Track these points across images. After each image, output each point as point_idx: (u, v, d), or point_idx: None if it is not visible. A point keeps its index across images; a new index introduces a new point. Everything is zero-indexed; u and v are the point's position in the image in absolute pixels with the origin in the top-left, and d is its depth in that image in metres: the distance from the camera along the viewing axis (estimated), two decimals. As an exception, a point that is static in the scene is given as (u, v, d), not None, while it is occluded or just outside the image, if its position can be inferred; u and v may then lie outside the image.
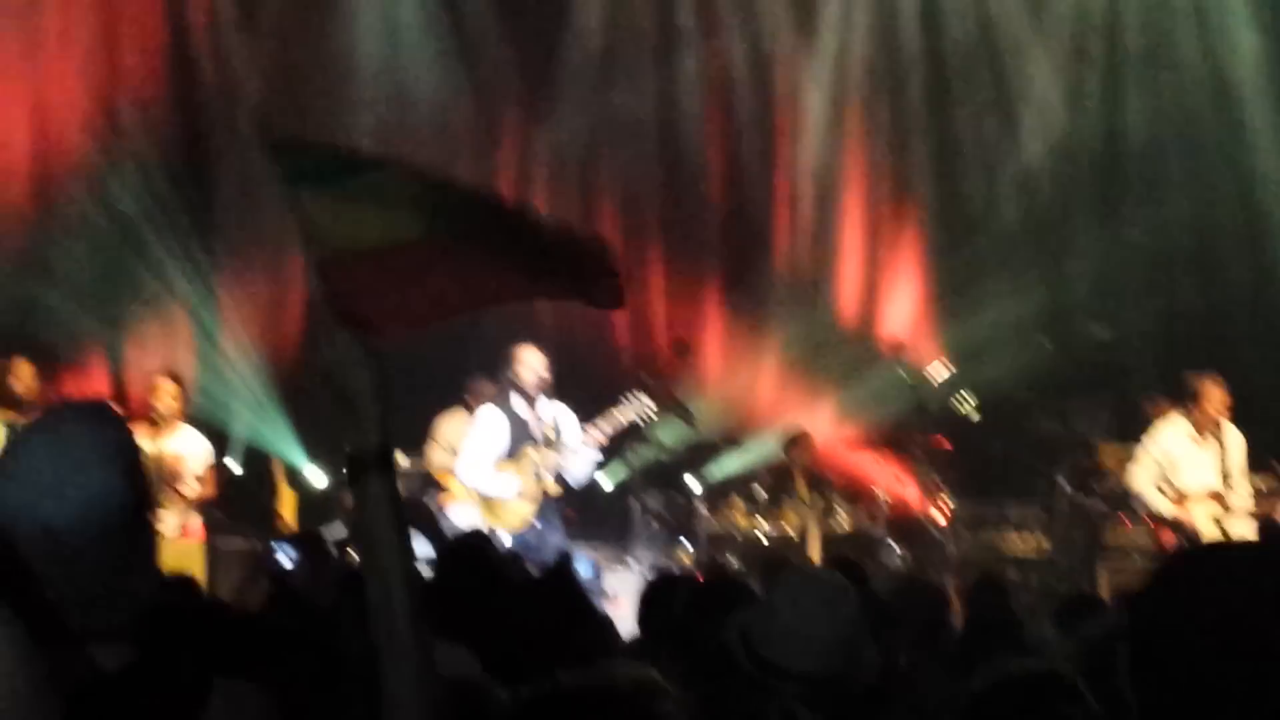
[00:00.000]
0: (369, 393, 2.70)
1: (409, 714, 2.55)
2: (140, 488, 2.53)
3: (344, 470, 2.73)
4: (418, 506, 10.08)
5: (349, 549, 6.02)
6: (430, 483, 12.55)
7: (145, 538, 2.54)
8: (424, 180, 3.26)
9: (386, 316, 3.08)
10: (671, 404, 12.54)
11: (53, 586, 2.39)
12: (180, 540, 11.15)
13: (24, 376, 11.23)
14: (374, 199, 3.16)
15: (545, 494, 11.01)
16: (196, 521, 11.48)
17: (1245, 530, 11.34)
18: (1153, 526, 11.77)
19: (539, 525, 11.03)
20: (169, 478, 11.27)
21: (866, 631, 3.99)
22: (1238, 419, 11.58)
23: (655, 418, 11.67)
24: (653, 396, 11.47)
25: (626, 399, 11.30)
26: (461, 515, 11.78)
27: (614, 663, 2.91)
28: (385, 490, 2.65)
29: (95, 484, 2.45)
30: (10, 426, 10.82)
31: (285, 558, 6.13)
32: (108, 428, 2.56)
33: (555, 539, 11.11)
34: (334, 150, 3.35)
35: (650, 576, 11.83)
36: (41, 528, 2.40)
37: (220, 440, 12.60)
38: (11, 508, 2.42)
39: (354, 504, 2.68)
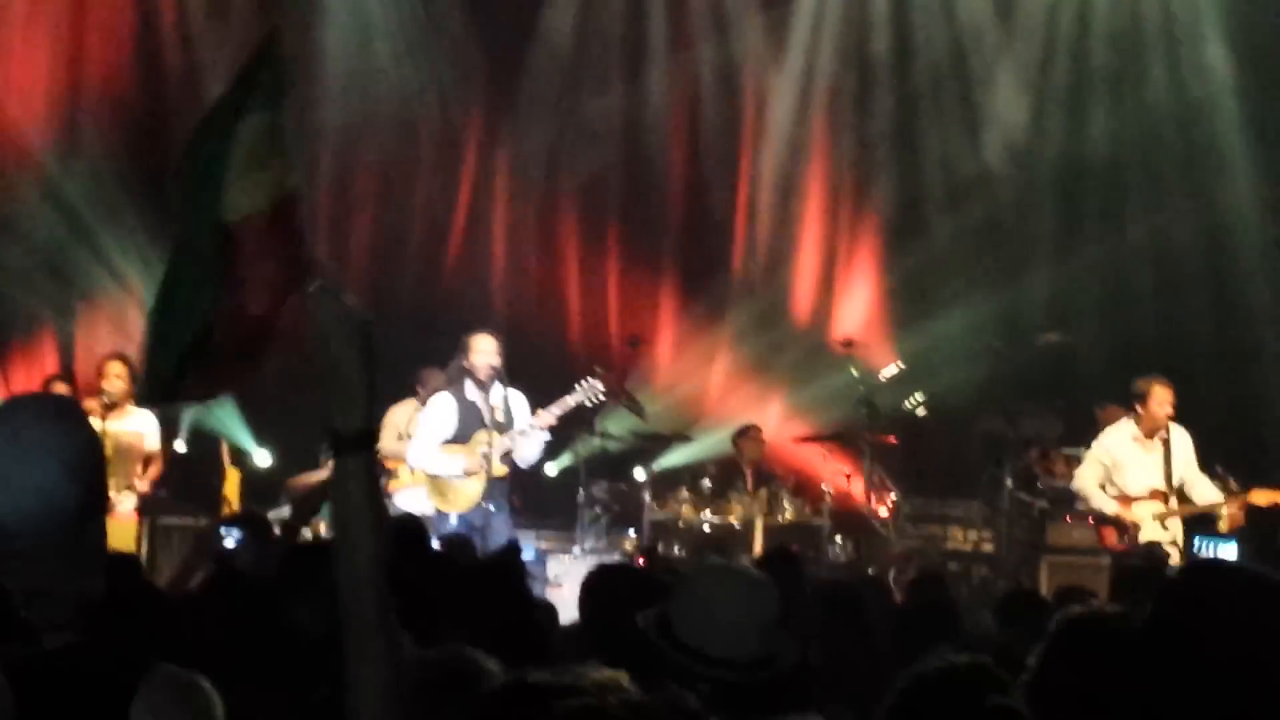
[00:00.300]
0: (356, 371, 2.65)
1: (374, 691, 2.54)
2: (93, 486, 2.58)
3: (326, 445, 2.72)
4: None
5: (291, 530, 6.08)
6: (381, 469, 12.62)
7: (94, 535, 2.59)
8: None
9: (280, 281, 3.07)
10: (622, 395, 12.65)
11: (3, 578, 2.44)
12: (123, 519, 11.20)
13: None
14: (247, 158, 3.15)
15: (493, 476, 11.11)
16: (136, 501, 11.50)
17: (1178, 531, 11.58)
18: (1095, 525, 11.93)
19: (489, 506, 11.13)
20: (121, 458, 11.31)
21: (783, 619, 4.05)
22: (1189, 428, 11.75)
23: (604, 403, 11.81)
24: (604, 386, 11.59)
25: (577, 386, 11.43)
26: (409, 500, 11.91)
27: (585, 665, 2.92)
28: (363, 468, 2.64)
29: (46, 480, 2.51)
30: None
31: (229, 538, 6.18)
32: (64, 424, 2.63)
33: (502, 520, 11.23)
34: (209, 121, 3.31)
35: (593, 563, 11.99)
36: None
37: (167, 422, 12.60)
38: None
39: (333, 480, 2.65)
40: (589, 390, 11.46)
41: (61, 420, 2.65)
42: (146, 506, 11.65)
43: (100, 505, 2.59)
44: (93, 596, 2.55)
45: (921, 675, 3.46)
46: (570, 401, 11.40)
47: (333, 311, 2.67)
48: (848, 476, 13.52)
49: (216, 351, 3.04)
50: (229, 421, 14.25)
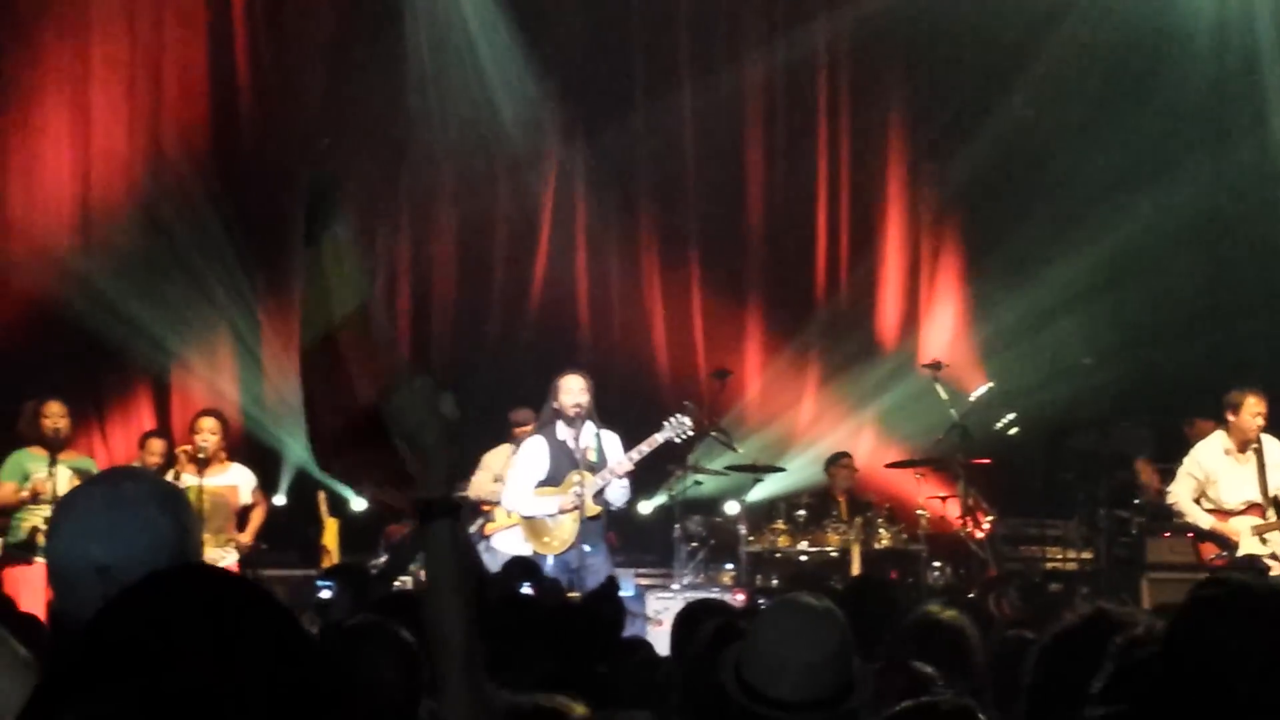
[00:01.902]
0: (439, 444, 2.84)
1: None
2: (190, 536, 2.68)
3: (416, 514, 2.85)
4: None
5: (386, 579, 6.18)
6: (477, 513, 12.73)
7: None
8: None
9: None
10: (712, 428, 12.71)
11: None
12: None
13: (55, 415, 11.44)
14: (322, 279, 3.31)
15: (586, 516, 11.18)
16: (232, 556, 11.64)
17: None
18: (1193, 540, 11.86)
19: (585, 547, 11.21)
20: (216, 512, 11.46)
21: (852, 653, 4.03)
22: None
23: (692, 438, 11.88)
24: (692, 421, 11.67)
25: (665, 423, 11.49)
26: (506, 542, 12.01)
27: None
28: (448, 536, 2.80)
29: (146, 528, 2.61)
30: (44, 463, 11.09)
31: (324, 590, 6.29)
32: (162, 484, 2.75)
33: (599, 560, 11.29)
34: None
35: (690, 598, 12.05)
36: (94, 567, 2.54)
37: (266, 473, 12.77)
38: (65, 549, 2.60)
39: (423, 545, 2.83)
40: (677, 427, 11.53)
41: (156, 478, 2.79)
42: (247, 560, 11.82)
43: (195, 550, 2.70)
44: None
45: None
46: (658, 439, 11.48)
47: (415, 394, 2.87)
48: (943, 500, 13.46)
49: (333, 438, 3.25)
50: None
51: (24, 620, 6.80)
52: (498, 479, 12.28)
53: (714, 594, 12.15)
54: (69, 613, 2.60)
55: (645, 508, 13.26)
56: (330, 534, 13.25)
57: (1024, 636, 5.66)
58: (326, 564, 12.45)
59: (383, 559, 11.79)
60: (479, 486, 12.54)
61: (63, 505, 2.72)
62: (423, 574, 10.09)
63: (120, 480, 2.73)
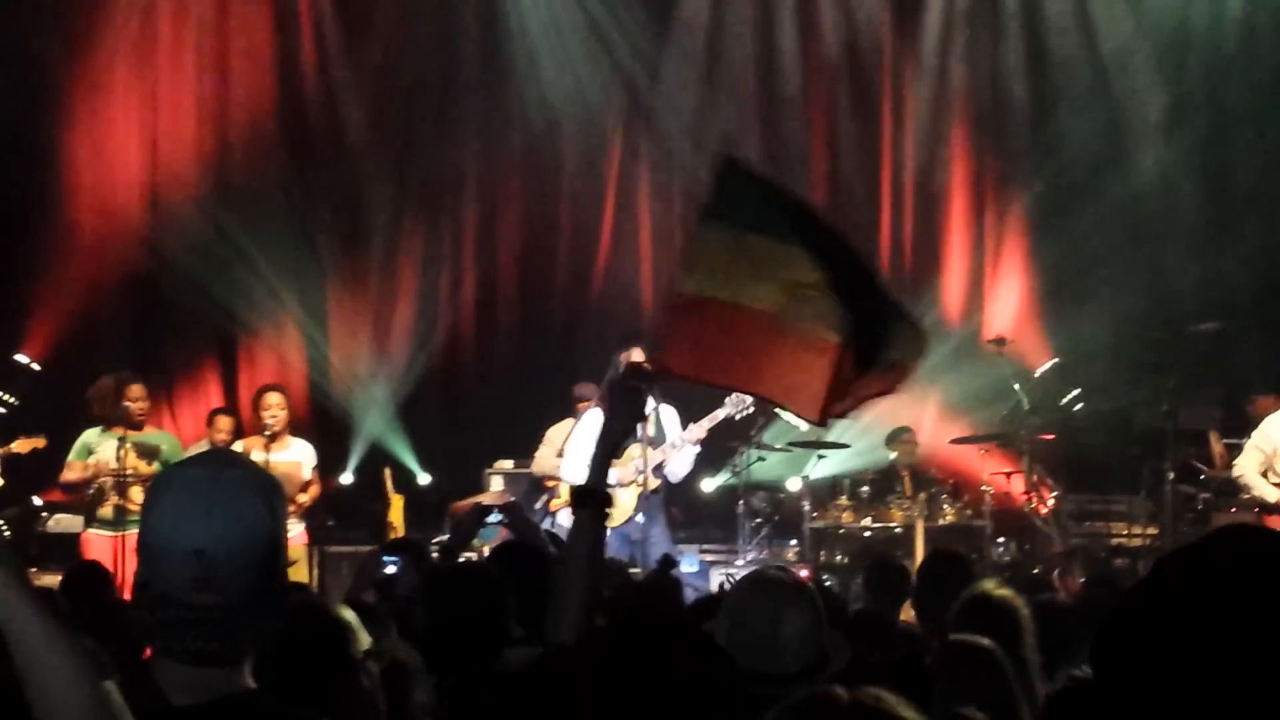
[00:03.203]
0: (615, 445, 3.67)
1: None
2: (283, 525, 2.74)
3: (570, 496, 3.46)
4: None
5: (448, 553, 6.24)
6: (541, 488, 12.80)
7: (280, 571, 2.75)
8: (808, 261, 3.56)
9: (680, 361, 3.50)
10: (773, 404, 12.72)
11: (200, 602, 2.62)
12: (294, 542, 11.46)
13: (138, 397, 11.53)
14: (753, 258, 3.49)
15: (646, 489, 11.27)
16: (300, 527, 11.75)
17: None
18: (1259, 514, 11.79)
19: (640, 519, 11.29)
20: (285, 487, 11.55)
21: (825, 623, 4.13)
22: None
23: (752, 414, 11.92)
24: (753, 398, 11.72)
25: (728, 400, 11.55)
26: (571, 517, 12.07)
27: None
28: (590, 523, 3.58)
29: (245, 516, 2.66)
30: (122, 441, 11.19)
31: (389, 565, 6.35)
32: (260, 471, 2.81)
33: (659, 532, 11.39)
34: (773, 190, 3.68)
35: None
36: (191, 549, 2.60)
37: (332, 450, 12.87)
38: (162, 528, 2.65)
39: (572, 526, 3.62)
40: (737, 404, 11.60)
41: (254, 465, 2.87)
42: (316, 536, 11.93)
43: (284, 539, 2.77)
44: (272, 631, 2.72)
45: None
46: (719, 415, 11.56)
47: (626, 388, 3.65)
48: (1007, 476, 13.44)
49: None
50: (398, 446, 14.54)
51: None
52: (561, 454, 12.35)
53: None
54: (154, 586, 2.64)
55: (709, 485, 13.28)
56: (396, 510, 13.34)
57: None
58: (390, 540, 12.55)
59: (446, 535, 11.86)
60: (542, 461, 12.60)
61: (163, 485, 2.76)
62: (486, 550, 10.24)
63: (222, 466, 2.76)
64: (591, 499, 3.63)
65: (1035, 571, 11.96)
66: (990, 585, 5.79)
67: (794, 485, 13.77)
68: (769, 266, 3.62)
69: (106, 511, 11.16)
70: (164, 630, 2.63)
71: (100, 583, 7.59)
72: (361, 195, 15.56)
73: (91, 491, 11.30)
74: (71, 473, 11.45)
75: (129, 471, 11.21)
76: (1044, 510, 13.25)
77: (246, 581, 2.64)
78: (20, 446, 11.65)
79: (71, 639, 2.31)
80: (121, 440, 11.16)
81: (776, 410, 12.18)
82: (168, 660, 2.63)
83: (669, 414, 11.53)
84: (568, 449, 11.85)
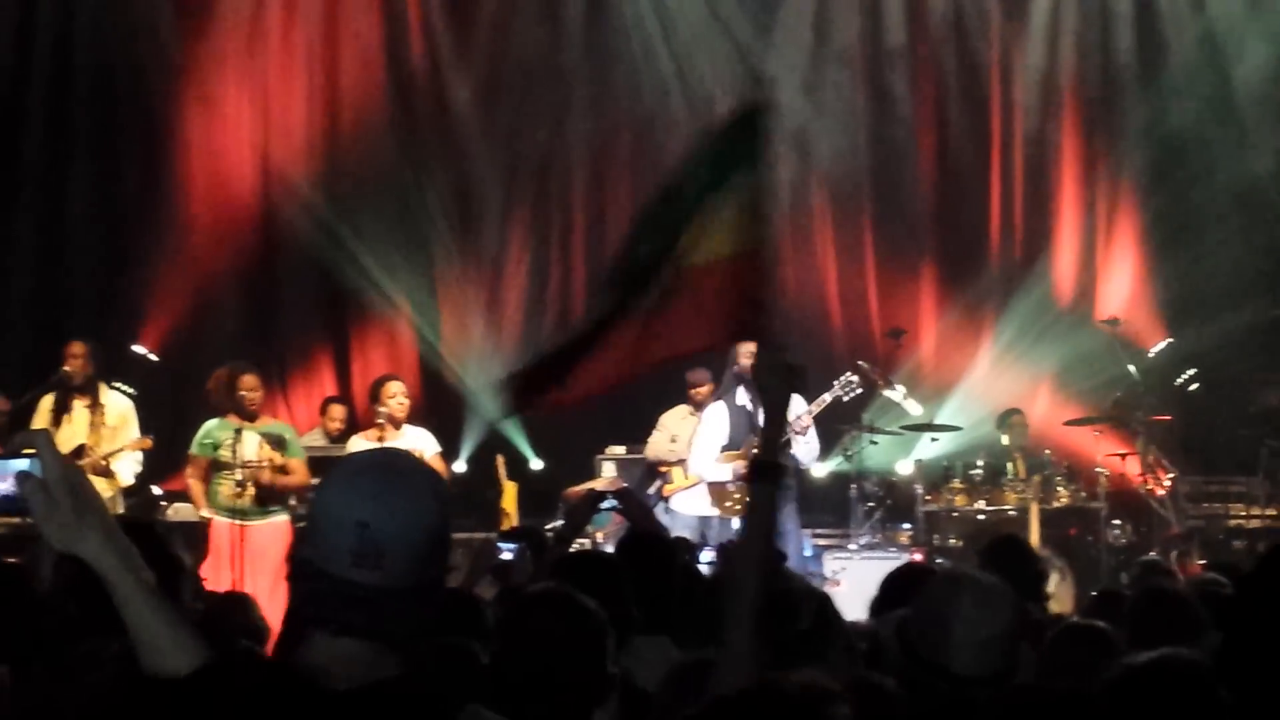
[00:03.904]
0: (781, 413, 3.44)
1: (738, 657, 3.09)
2: (449, 524, 2.78)
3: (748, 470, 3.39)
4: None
5: (563, 540, 6.27)
6: (654, 474, 12.85)
7: (442, 564, 2.79)
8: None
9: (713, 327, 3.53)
10: (888, 388, 12.70)
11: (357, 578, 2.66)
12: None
13: (250, 387, 11.60)
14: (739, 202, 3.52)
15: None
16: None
17: None
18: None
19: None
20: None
21: (1018, 631, 4.02)
22: None
23: (860, 395, 11.97)
24: (860, 379, 11.75)
25: (835, 382, 11.57)
26: (685, 503, 12.13)
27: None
28: (767, 500, 3.38)
29: (413, 499, 2.70)
30: (238, 433, 11.30)
31: (505, 552, 6.40)
32: (432, 469, 2.89)
33: (788, 523, 11.41)
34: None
35: (866, 557, 12.11)
36: (355, 520, 2.65)
37: (444, 438, 12.95)
38: (331, 500, 2.70)
39: (749, 499, 3.41)
40: (845, 386, 11.64)
41: (423, 461, 2.96)
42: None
43: (449, 528, 2.80)
44: (429, 623, 2.77)
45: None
46: (827, 398, 11.64)
47: (772, 360, 3.43)
48: (1122, 457, 13.32)
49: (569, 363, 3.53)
50: (510, 432, 14.62)
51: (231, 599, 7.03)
52: (674, 439, 12.40)
53: (890, 554, 12.16)
54: (312, 561, 2.69)
55: (820, 470, 13.25)
56: (509, 497, 13.41)
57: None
58: (505, 527, 12.61)
59: (560, 522, 11.93)
60: (655, 447, 12.65)
61: (339, 467, 2.83)
62: (599, 536, 10.29)
63: (397, 454, 2.89)
64: (772, 470, 3.42)
65: (1152, 554, 11.82)
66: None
67: (905, 469, 13.72)
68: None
69: (228, 499, 11.25)
70: (320, 603, 2.67)
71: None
72: (470, 180, 15.62)
73: (217, 478, 11.38)
74: (195, 467, 11.57)
75: (262, 462, 11.33)
76: (1160, 492, 13.13)
77: (405, 566, 2.67)
78: (131, 447, 11.78)
79: (172, 613, 2.39)
80: (238, 431, 11.25)
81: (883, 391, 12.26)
82: (319, 634, 2.67)
83: (794, 401, 11.54)
84: (695, 442, 11.93)
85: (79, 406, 11.78)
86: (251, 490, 11.25)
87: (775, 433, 3.58)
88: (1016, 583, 7.31)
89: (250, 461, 11.23)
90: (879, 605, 5.36)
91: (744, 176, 3.61)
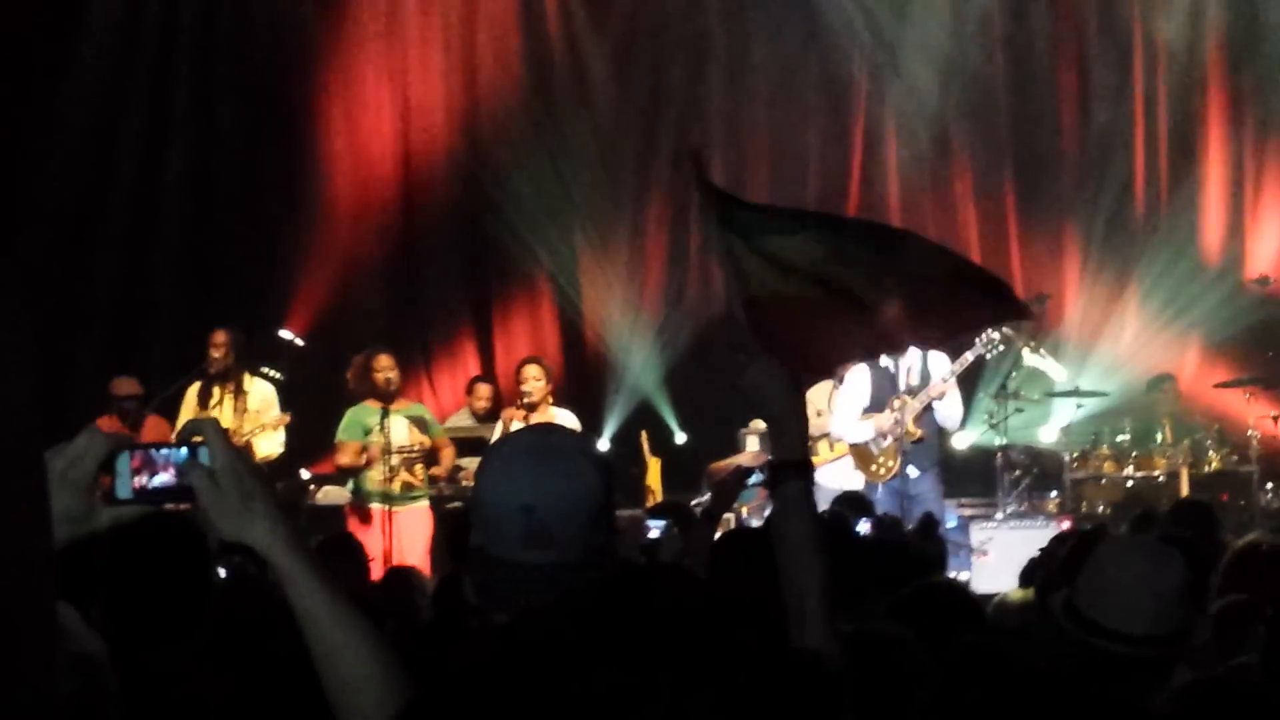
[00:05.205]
0: (791, 412, 3.15)
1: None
2: (612, 492, 2.85)
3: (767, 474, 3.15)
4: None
5: (711, 517, 6.27)
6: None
7: (609, 527, 2.85)
8: (827, 245, 3.66)
9: (792, 355, 3.53)
10: (1033, 353, 12.58)
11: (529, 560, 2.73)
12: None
13: (385, 367, 11.67)
14: (783, 259, 3.59)
15: (908, 439, 11.28)
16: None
17: None
18: None
19: (911, 473, 11.29)
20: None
21: (1191, 594, 4.01)
22: None
23: (1008, 358, 11.85)
24: (1000, 338, 11.67)
25: (978, 340, 11.49)
26: (832, 475, 12.09)
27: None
28: (800, 494, 3.06)
29: (572, 474, 2.77)
30: (385, 415, 11.40)
31: (653, 529, 6.43)
32: (587, 440, 2.95)
33: (927, 485, 11.45)
34: (761, 211, 3.79)
35: (1014, 527, 12.02)
36: (521, 505, 2.72)
37: (586, 415, 13.01)
38: (493, 487, 2.78)
39: (774, 504, 3.11)
40: (988, 344, 11.55)
41: (584, 435, 3.01)
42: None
43: (612, 503, 2.86)
44: (603, 579, 2.82)
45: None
46: (969, 357, 11.53)
47: (758, 373, 3.17)
48: (1275, 420, 13.09)
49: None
50: (657, 405, 14.67)
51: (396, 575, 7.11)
52: (820, 413, 12.37)
53: (1038, 523, 12.05)
54: (487, 550, 2.77)
55: (964, 440, 13.14)
56: (653, 473, 13.46)
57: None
58: (650, 503, 12.65)
59: (706, 497, 11.94)
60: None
61: (493, 451, 2.90)
62: (744, 511, 10.27)
63: (549, 430, 2.97)
64: (797, 469, 3.08)
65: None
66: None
67: (1050, 436, 13.59)
68: (792, 260, 3.68)
69: (378, 484, 11.37)
70: (497, 589, 2.75)
71: (355, 556, 7.74)
72: (610, 155, 15.67)
73: (367, 465, 11.49)
74: (344, 455, 11.68)
75: (414, 446, 11.45)
76: (1314, 453, 12.90)
77: (576, 538, 2.74)
78: (272, 425, 11.94)
79: (356, 610, 2.34)
80: (384, 415, 11.35)
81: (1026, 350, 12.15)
82: (500, 616, 2.74)
83: (937, 360, 11.50)
84: (835, 406, 11.90)
85: (223, 394, 11.96)
86: (404, 475, 11.38)
87: (792, 432, 3.17)
88: (1200, 548, 7.27)
89: (403, 447, 11.36)
90: (1056, 575, 5.32)
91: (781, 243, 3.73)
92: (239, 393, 11.98)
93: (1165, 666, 3.85)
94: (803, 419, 3.18)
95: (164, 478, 2.29)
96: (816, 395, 12.62)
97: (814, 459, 11.77)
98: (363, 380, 11.65)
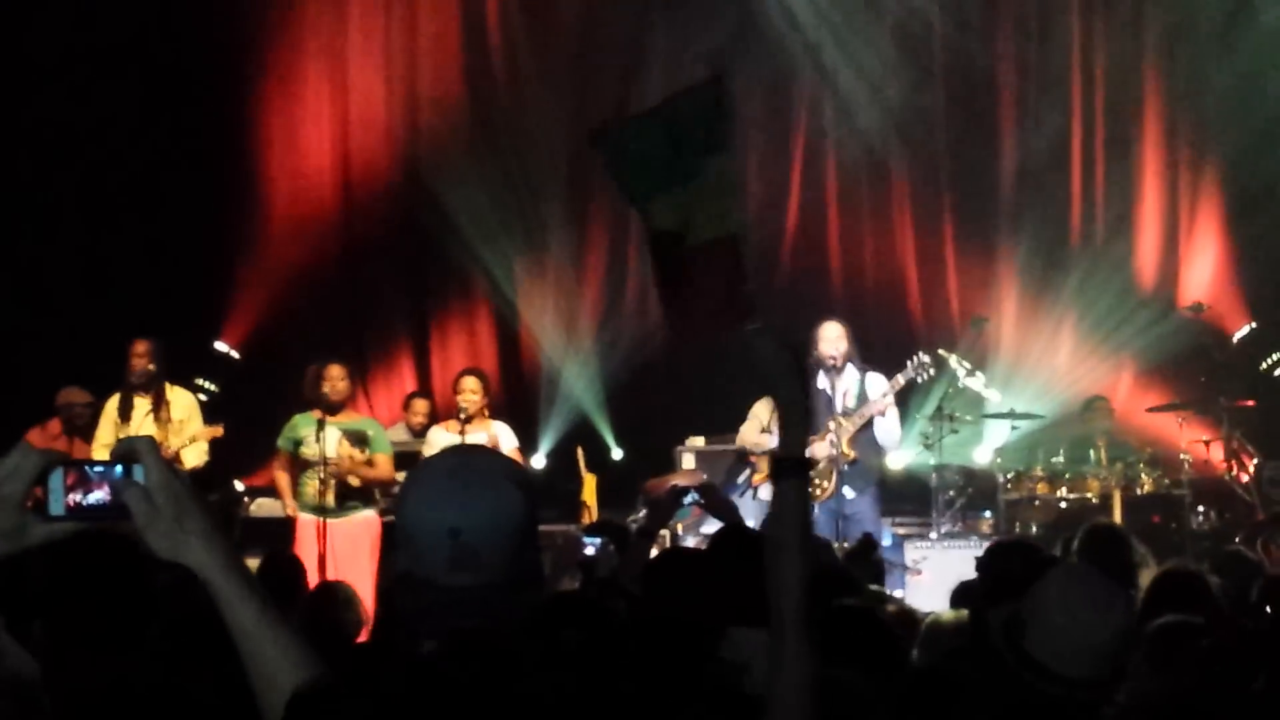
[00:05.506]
0: (800, 405, 3.01)
1: (791, 691, 2.78)
2: (536, 512, 2.84)
3: (772, 469, 3.01)
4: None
5: (647, 535, 6.27)
6: (744, 463, 12.82)
7: (535, 548, 2.85)
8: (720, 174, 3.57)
9: (715, 315, 3.43)
10: (968, 375, 12.64)
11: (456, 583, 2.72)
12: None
13: (334, 377, 11.55)
14: (699, 193, 3.49)
15: (844, 460, 11.29)
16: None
17: None
18: None
19: (847, 494, 11.31)
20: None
21: (1130, 637, 4.00)
22: None
23: (940, 381, 11.89)
24: (934, 362, 11.70)
25: (909, 363, 11.53)
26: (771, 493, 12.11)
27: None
28: (796, 496, 2.94)
29: (497, 496, 2.77)
30: (321, 425, 11.28)
31: (589, 545, 6.44)
32: (510, 460, 2.94)
33: (865, 506, 11.47)
34: (646, 121, 3.65)
35: (948, 546, 12.08)
36: (447, 529, 2.71)
37: (525, 432, 12.99)
38: (418, 513, 2.77)
39: (772, 500, 2.99)
40: (918, 368, 11.57)
41: (504, 456, 2.99)
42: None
43: (536, 521, 2.85)
44: (531, 605, 2.81)
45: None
46: (900, 380, 11.54)
47: (769, 350, 3.00)
48: (1206, 444, 13.22)
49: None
50: (593, 421, 14.66)
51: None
52: (765, 430, 12.37)
53: (972, 543, 12.11)
54: (416, 574, 2.76)
55: (899, 460, 13.19)
56: (589, 489, 13.45)
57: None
58: (586, 520, 12.65)
59: (642, 514, 11.94)
60: (746, 435, 12.63)
61: (416, 473, 2.90)
62: (679, 528, 10.26)
63: (471, 451, 2.97)
64: (795, 466, 2.97)
65: (1236, 540, 11.72)
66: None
67: (985, 457, 13.68)
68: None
69: (312, 496, 11.26)
70: (429, 615, 2.73)
71: (296, 573, 7.71)
72: (549, 171, 15.66)
73: (303, 476, 11.39)
74: (280, 462, 11.59)
75: (342, 459, 11.31)
76: (1244, 478, 13.03)
77: (502, 561, 2.73)
78: (203, 436, 11.80)
79: (289, 629, 2.35)
80: (320, 423, 11.21)
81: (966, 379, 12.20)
82: (428, 642, 2.71)
83: (875, 381, 11.54)
84: (774, 425, 11.90)
85: (141, 405, 11.77)
86: (334, 487, 11.25)
87: (798, 425, 3.06)
88: (1112, 572, 7.32)
89: (332, 459, 11.21)
90: (995, 587, 5.32)
91: (711, 160, 3.59)
92: (160, 403, 11.79)
93: (1096, 708, 3.82)
94: (808, 406, 3.07)
95: (98, 495, 2.27)
96: (762, 409, 12.64)
97: (758, 475, 11.85)
98: (313, 390, 11.53)
